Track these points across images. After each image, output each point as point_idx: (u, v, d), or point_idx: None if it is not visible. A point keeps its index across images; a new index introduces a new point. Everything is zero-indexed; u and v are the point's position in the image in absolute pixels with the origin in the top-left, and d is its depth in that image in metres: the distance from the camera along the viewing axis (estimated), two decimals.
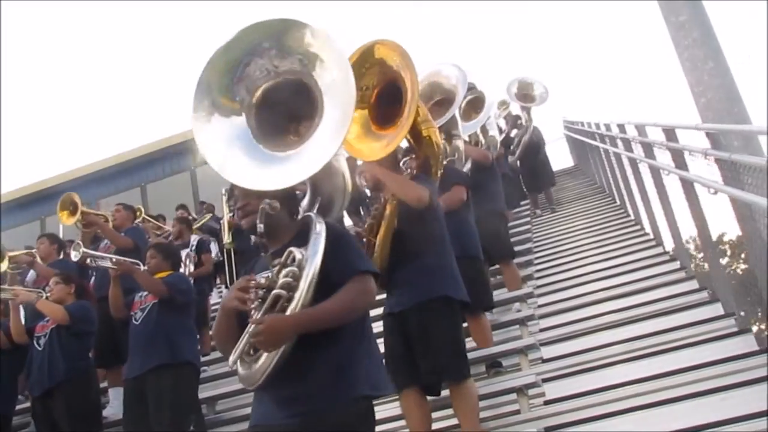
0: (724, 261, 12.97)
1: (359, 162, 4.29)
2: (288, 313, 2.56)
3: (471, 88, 7.95)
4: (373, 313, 6.31)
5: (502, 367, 5.50)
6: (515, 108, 12.02)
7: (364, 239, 4.19)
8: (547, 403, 4.74)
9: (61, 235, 9.24)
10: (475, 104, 7.87)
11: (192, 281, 6.73)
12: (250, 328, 2.56)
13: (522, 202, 11.43)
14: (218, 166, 2.67)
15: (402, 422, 4.73)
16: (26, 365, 5.97)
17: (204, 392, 6.56)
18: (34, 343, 5.83)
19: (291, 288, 2.58)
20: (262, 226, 2.71)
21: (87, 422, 5.60)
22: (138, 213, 8.69)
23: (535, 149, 11.37)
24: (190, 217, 10.50)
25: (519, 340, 5.58)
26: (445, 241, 4.38)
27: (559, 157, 16.47)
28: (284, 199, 2.80)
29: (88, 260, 6.05)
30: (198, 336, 7.66)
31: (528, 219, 10.58)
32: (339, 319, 2.63)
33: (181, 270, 6.84)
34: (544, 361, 5.46)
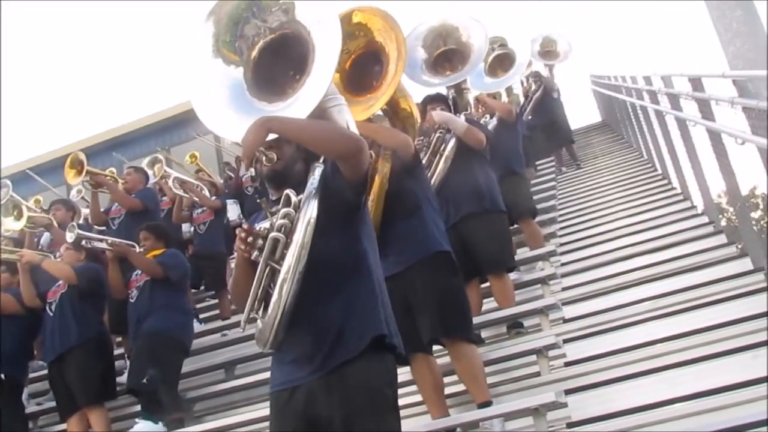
0: (756, 215, 12.53)
1: None
2: (288, 259, 2.43)
3: (502, 44, 7.68)
4: None
5: (523, 328, 5.32)
6: (539, 67, 11.60)
7: None
8: (567, 364, 4.55)
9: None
10: (503, 61, 7.57)
11: None
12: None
13: (545, 159, 11.14)
14: (201, 108, 2.64)
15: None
16: (41, 331, 5.92)
17: (223, 356, 6.59)
18: (47, 308, 5.73)
19: (287, 230, 2.47)
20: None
21: (100, 387, 5.52)
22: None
23: (548, 106, 10.96)
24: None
25: (539, 300, 5.38)
26: (433, 200, 4.24)
27: (587, 113, 16.12)
28: (301, 150, 2.69)
29: (84, 242, 5.95)
30: (218, 300, 7.81)
31: (553, 176, 10.32)
32: (312, 131, 2.56)
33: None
34: (566, 321, 5.28)
